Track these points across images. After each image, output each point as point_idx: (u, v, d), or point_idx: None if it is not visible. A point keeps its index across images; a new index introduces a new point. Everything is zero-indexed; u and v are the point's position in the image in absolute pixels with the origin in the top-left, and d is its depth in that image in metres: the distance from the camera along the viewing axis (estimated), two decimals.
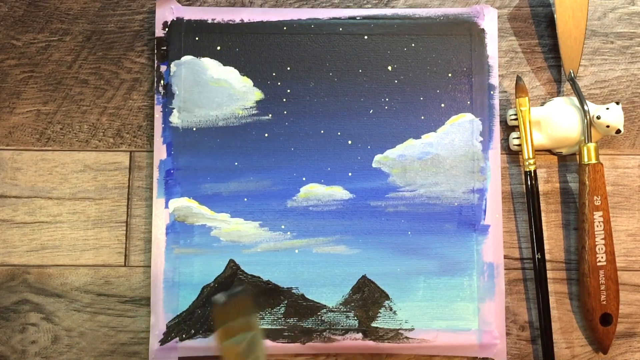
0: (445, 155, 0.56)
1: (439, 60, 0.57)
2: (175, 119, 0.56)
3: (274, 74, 0.57)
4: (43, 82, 0.58)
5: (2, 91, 0.58)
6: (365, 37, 0.58)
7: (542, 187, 0.57)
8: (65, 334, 0.55)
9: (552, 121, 0.56)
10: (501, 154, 0.58)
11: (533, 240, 0.55)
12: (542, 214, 0.57)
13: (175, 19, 0.57)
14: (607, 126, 0.55)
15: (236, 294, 0.51)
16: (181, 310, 0.54)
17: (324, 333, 0.54)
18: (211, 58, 0.57)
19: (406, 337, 0.54)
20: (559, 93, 0.59)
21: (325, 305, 0.55)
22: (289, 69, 0.57)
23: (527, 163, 0.56)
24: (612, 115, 0.55)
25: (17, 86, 0.58)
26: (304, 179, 0.56)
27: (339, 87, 0.57)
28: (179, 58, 0.57)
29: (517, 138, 0.57)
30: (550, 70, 0.59)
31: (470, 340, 0.54)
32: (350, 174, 0.56)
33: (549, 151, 0.58)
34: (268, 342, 0.54)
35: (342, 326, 0.54)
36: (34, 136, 0.57)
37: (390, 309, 0.55)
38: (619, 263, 0.56)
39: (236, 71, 0.57)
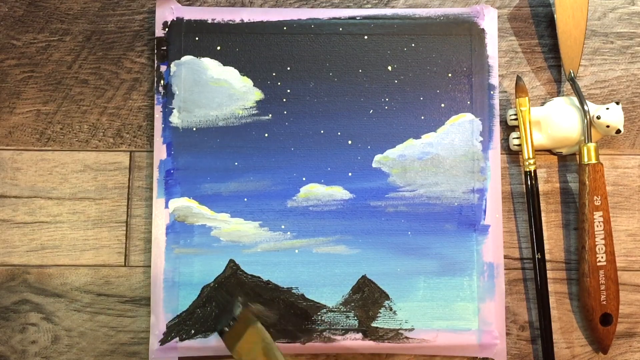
0: (445, 155, 0.56)
1: (438, 60, 0.57)
2: (175, 119, 0.56)
3: (274, 74, 0.57)
4: (43, 82, 0.58)
5: (2, 91, 0.58)
6: (365, 37, 0.58)
7: (542, 187, 0.57)
8: (65, 334, 0.55)
9: (552, 121, 0.56)
10: (501, 154, 0.58)
11: (533, 240, 0.55)
12: (542, 214, 0.57)
13: (175, 19, 0.57)
14: (607, 126, 0.55)
15: (237, 315, 0.51)
16: (181, 310, 0.54)
17: (324, 333, 0.54)
18: (211, 58, 0.57)
19: (406, 337, 0.54)
20: (559, 93, 0.59)
21: (325, 305, 0.55)
22: (289, 69, 0.57)
23: (527, 163, 0.56)
24: (612, 115, 0.55)
25: (17, 86, 0.58)
26: (304, 179, 0.56)
27: (339, 87, 0.57)
28: (179, 58, 0.57)
29: (517, 138, 0.57)
30: (550, 70, 0.59)
31: (470, 340, 0.54)
32: (350, 174, 0.56)
33: (549, 151, 0.58)
34: None
35: (342, 326, 0.54)
36: (34, 136, 0.57)
37: (390, 309, 0.55)
38: (619, 263, 0.56)
39: (236, 71, 0.57)
